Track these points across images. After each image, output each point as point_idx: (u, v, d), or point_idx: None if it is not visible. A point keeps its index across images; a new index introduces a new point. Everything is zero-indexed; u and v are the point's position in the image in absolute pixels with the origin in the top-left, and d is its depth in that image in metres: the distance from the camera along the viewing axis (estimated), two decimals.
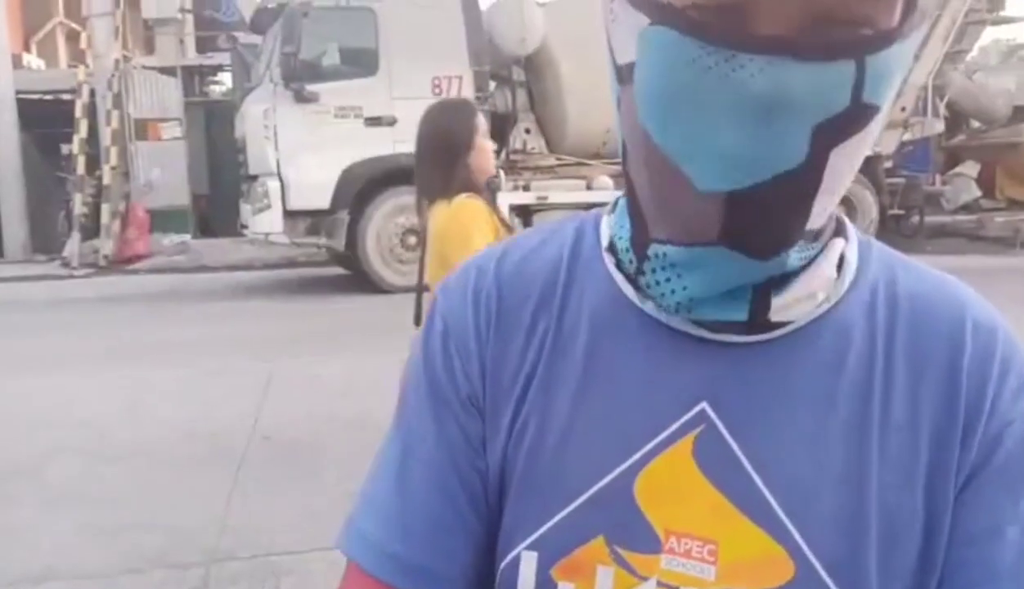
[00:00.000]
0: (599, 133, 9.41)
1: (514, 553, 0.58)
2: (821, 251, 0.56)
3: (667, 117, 0.50)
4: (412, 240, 9.00)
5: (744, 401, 0.56)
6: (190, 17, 14.06)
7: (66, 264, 11.34)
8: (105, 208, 11.58)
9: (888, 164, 10.73)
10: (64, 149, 12.58)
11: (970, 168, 13.08)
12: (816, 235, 0.54)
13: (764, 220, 0.50)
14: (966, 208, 12.97)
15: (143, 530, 3.29)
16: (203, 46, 14.50)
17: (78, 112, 12.00)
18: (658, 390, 0.57)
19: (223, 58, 12.83)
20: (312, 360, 5.95)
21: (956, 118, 12.71)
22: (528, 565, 0.57)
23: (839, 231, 0.59)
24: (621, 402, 0.58)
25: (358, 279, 9.19)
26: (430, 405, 0.62)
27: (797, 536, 0.54)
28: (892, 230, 11.28)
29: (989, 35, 20.61)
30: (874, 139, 0.52)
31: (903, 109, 10.60)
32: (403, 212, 8.96)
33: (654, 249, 0.54)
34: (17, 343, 6.81)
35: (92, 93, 12.07)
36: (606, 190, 9.25)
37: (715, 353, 0.57)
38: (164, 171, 12.67)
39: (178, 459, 4.08)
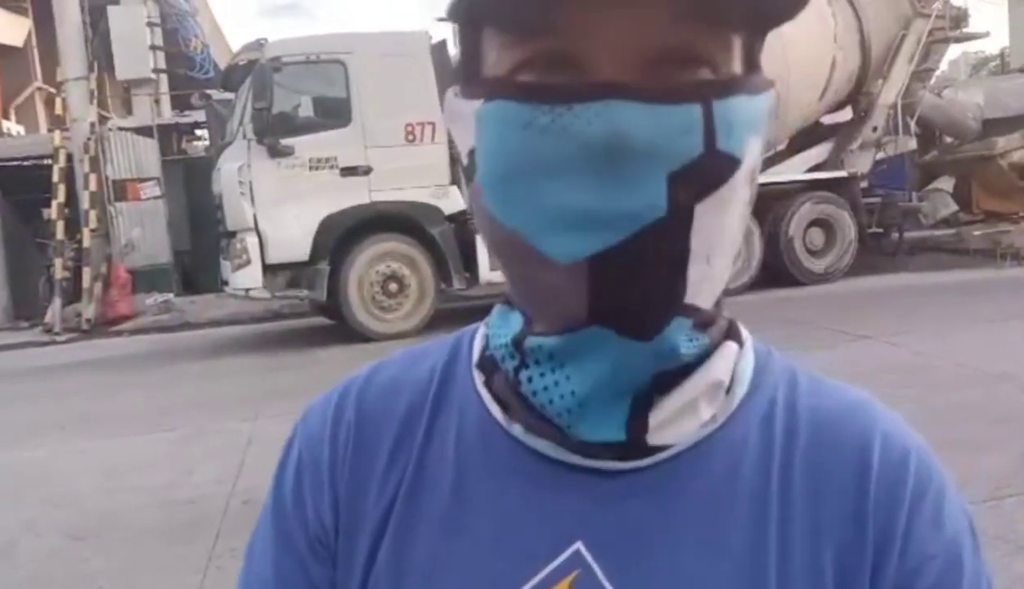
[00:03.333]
0: None
1: None
2: (710, 355, 0.50)
3: (510, 191, 0.46)
4: (393, 287, 8.99)
5: (623, 541, 0.50)
6: (164, 77, 14.14)
7: (48, 330, 11.25)
8: (86, 271, 11.53)
9: (864, 184, 10.82)
10: (45, 214, 12.56)
11: (945, 183, 13.20)
12: (705, 324, 0.49)
13: (632, 286, 0.45)
14: (945, 222, 13.06)
15: None
16: (180, 105, 14.57)
17: (55, 177, 12.01)
18: (529, 527, 0.51)
19: (199, 116, 12.88)
20: (293, 417, 5.84)
21: (928, 134, 12.85)
22: None
23: (732, 335, 0.53)
24: (489, 542, 0.52)
25: (342, 328, 9.14)
26: (273, 544, 0.58)
27: None
28: (872, 248, 11.33)
29: (957, 49, 20.92)
30: (744, 202, 0.48)
31: (875, 129, 10.73)
32: (383, 260, 8.96)
33: (530, 342, 0.49)
34: None
35: (69, 157, 12.09)
36: None
37: (591, 483, 0.51)
38: (145, 230, 12.65)
39: (153, 531, 3.99)
